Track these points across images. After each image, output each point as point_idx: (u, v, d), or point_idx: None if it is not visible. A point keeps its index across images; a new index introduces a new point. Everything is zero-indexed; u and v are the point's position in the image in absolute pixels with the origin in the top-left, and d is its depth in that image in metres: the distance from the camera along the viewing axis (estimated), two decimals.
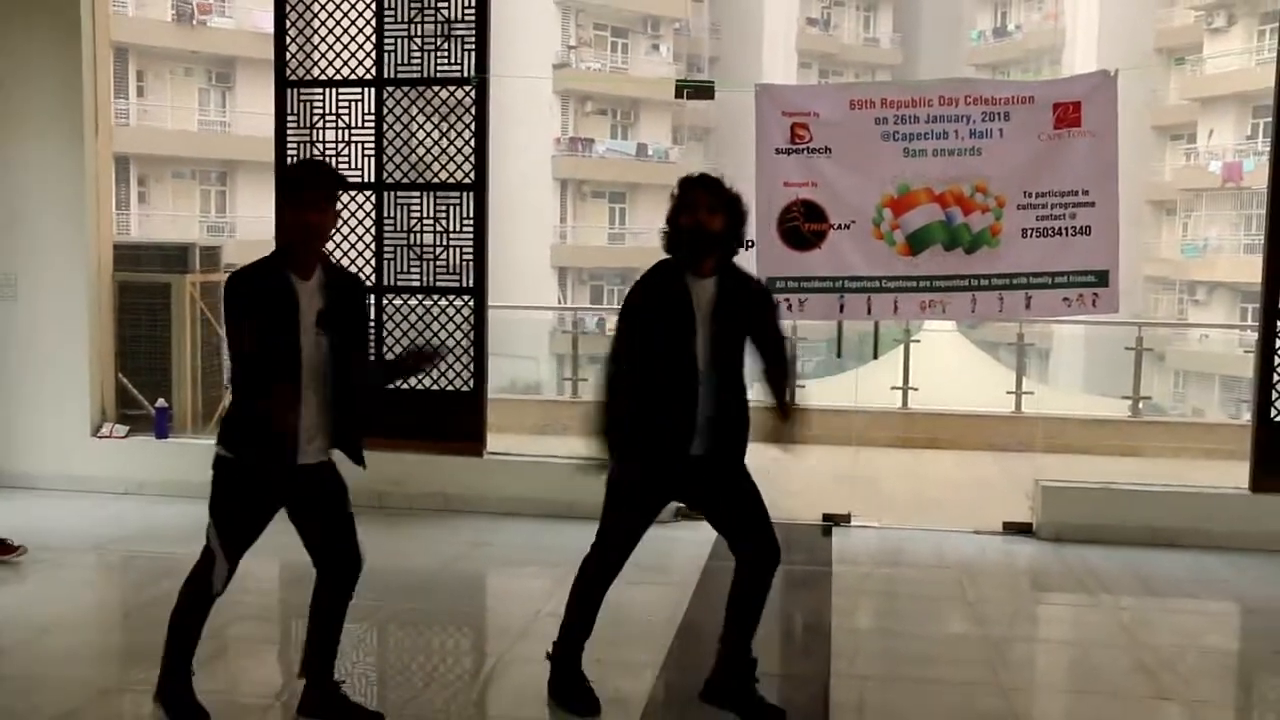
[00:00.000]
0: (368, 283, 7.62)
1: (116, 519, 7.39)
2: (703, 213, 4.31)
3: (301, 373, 4.10)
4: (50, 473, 7.99)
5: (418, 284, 7.68)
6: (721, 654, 4.46)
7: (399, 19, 7.58)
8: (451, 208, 7.64)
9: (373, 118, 7.65)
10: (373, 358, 4.49)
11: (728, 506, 4.44)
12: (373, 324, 7.68)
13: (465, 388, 7.65)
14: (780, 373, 4.45)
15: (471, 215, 7.62)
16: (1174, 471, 8.45)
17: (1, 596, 5.93)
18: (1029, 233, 7.03)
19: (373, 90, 7.65)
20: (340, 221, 7.66)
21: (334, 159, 7.66)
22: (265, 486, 4.15)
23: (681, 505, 5.20)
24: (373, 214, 7.68)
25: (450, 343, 7.65)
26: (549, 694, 4.60)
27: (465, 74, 7.54)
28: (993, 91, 7.17)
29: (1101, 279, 7.06)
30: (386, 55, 7.62)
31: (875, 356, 9.96)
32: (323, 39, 7.68)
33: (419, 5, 7.55)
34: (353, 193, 7.67)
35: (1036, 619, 6.41)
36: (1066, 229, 7.00)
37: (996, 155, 7.01)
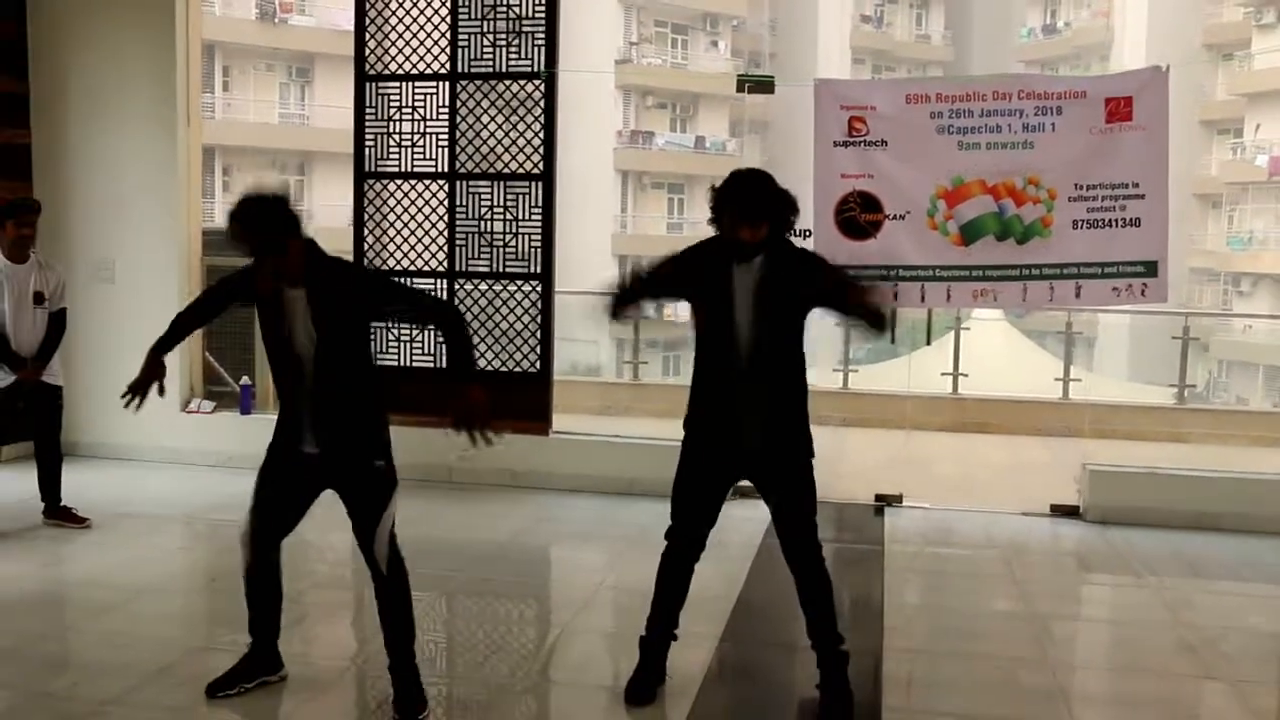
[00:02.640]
0: (439, 268, 7.70)
1: (204, 490, 7.52)
2: (745, 230, 4.04)
3: (295, 372, 4.08)
4: (144, 445, 8.14)
5: (487, 270, 7.72)
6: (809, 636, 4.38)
7: (472, 16, 7.61)
8: (521, 197, 7.66)
9: (446, 110, 7.69)
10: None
11: (772, 508, 4.32)
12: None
13: (532, 369, 7.68)
14: (851, 295, 4.16)
15: (540, 204, 7.64)
16: (1219, 458, 8.31)
17: (102, 559, 6.07)
18: (1080, 224, 6.91)
19: (447, 84, 7.68)
20: (415, 209, 7.75)
21: (409, 149, 7.72)
22: (279, 465, 4.22)
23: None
24: (446, 203, 7.73)
25: (519, 326, 7.68)
26: None
27: (535, 69, 7.56)
28: (1045, 86, 7.05)
29: (1150, 269, 6.92)
30: (460, 51, 7.65)
31: (928, 343, 9.88)
32: (400, 35, 7.73)
33: (491, 3, 7.57)
34: (427, 182, 7.73)
35: (1082, 598, 6.33)
36: (1117, 220, 6.88)
37: (1049, 149, 6.89)
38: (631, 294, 4.35)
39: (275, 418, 4.28)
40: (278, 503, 4.26)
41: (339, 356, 4.07)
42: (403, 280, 7.58)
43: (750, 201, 4.07)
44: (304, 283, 4.03)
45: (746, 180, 4.11)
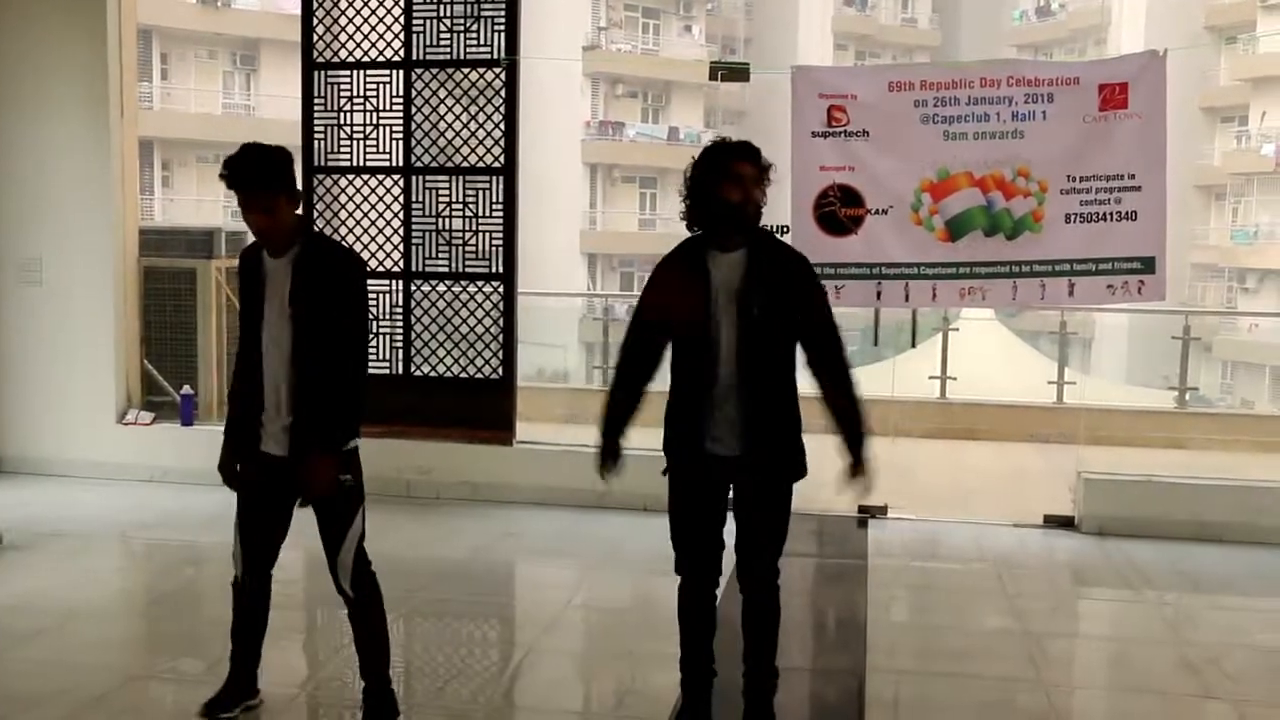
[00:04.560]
0: (394, 269, 7.70)
1: (141, 506, 7.48)
2: (754, 188, 4.05)
3: (263, 355, 4.07)
4: (76, 459, 8.08)
5: (446, 270, 7.72)
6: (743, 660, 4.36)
7: None
8: (481, 192, 7.67)
9: (401, 100, 7.69)
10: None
11: (739, 524, 4.24)
12: (400, 309, 7.72)
13: (494, 375, 7.69)
14: (837, 385, 4.12)
15: (501, 200, 7.65)
16: (1222, 464, 8.39)
17: (29, 582, 6.01)
18: (1073, 218, 6.98)
19: (401, 72, 7.68)
20: (368, 206, 7.75)
21: (361, 142, 7.71)
22: (244, 471, 4.18)
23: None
24: (401, 199, 7.72)
25: (480, 330, 7.69)
26: None
27: (495, 56, 7.57)
28: (1036, 73, 7.13)
29: (1148, 265, 7.00)
30: (415, 36, 7.65)
31: (913, 345, 9.93)
32: (350, 20, 7.72)
33: None
34: (380, 177, 7.73)
35: (1078, 614, 6.39)
36: (1112, 214, 6.95)
37: (1039, 138, 6.96)
38: (625, 380, 4.23)
39: (221, 428, 4.26)
40: (254, 513, 4.19)
41: (313, 340, 4.01)
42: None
43: (738, 145, 4.13)
44: (291, 249, 4.03)
45: (746, 143, 4.18)
